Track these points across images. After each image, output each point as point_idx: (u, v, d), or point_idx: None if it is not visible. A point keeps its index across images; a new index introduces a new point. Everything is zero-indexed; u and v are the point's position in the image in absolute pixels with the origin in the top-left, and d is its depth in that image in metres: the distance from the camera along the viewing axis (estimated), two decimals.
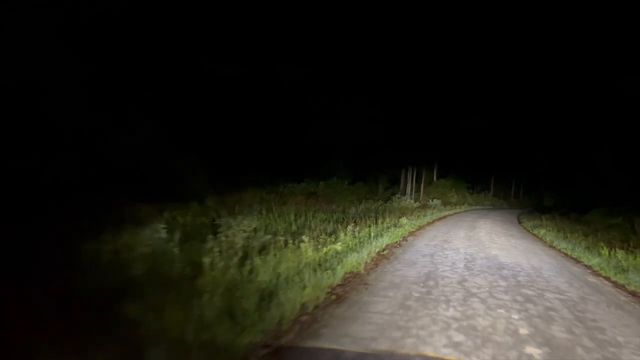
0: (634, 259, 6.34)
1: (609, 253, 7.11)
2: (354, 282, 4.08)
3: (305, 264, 4.28)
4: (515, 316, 3.22)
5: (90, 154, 7.24)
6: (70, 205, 4.69)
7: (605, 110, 16.61)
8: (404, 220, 10.40)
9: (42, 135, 5.78)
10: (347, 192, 17.47)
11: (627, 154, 13.99)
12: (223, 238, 4.76)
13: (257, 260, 3.82)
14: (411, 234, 8.84)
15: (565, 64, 18.40)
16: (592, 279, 5.23)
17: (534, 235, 11.06)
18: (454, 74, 23.50)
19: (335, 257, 4.82)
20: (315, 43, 17.01)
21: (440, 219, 14.48)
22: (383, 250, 6.16)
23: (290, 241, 5.14)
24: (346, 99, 19.60)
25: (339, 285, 3.84)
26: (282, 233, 6.28)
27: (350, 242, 5.98)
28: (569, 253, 7.61)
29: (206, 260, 3.35)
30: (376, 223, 9.08)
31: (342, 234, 6.32)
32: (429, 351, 2.40)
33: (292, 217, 9.09)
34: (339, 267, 4.38)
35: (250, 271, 3.54)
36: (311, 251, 4.76)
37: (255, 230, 5.48)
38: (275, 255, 4.23)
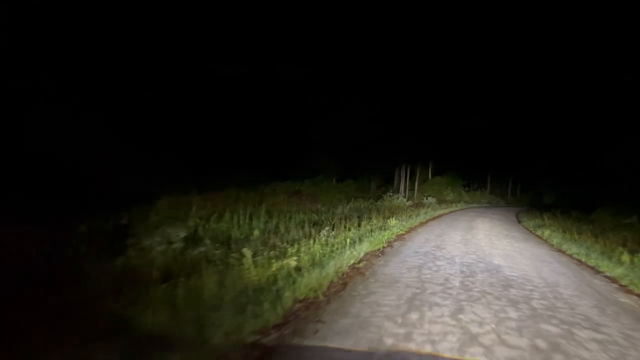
0: None
1: (631, 259, 5.97)
2: (303, 317, 2.85)
3: (240, 290, 3.05)
4: None
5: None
6: None
7: (614, 105, 15.69)
8: (392, 221, 9.20)
9: None
10: (335, 191, 16.27)
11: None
12: (133, 252, 3.52)
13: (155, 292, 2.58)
14: (399, 237, 7.63)
15: (566, 57, 17.54)
16: (625, 299, 4.05)
17: (537, 236, 9.91)
18: (450, 71, 22.53)
19: (289, 276, 3.59)
20: (313, 42, 16.42)
21: (434, 218, 13.32)
22: (359, 261, 4.94)
23: (234, 255, 3.93)
24: (339, 95, 18.65)
25: (275, 326, 2.61)
26: (233, 242, 5.06)
27: (319, 252, 4.76)
28: (583, 259, 6.45)
29: None
30: (359, 225, 7.89)
31: (310, 242, 5.10)
32: None
33: (262, 220, 7.84)
34: (287, 293, 3.16)
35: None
36: (255, 269, 3.54)
37: (187, 239, 4.22)
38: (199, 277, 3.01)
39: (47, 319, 1.95)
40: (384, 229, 8.12)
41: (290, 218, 9.26)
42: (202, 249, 3.95)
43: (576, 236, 9.68)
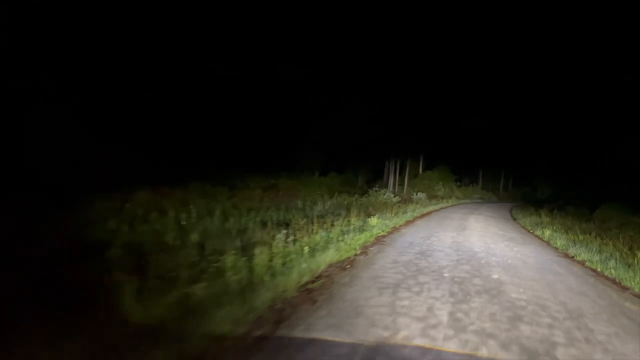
0: None
1: None
2: None
3: None
4: None
5: None
6: None
7: (614, 104, 14.94)
8: (373, 220, 7.96)
9: None
10: (316, 185, 14.97)
11: None
12: None
13: None
14: (379, 240, 6.38)
15: (566, 57, 17.00)
16: None
17: (537, 237, 8.78)
18: (448, 68, 22.16)
19: (180, 318, 2.29)
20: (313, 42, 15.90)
21: (423, 216, 12.13)
22: (316, 278, 3.67)
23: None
24: (333, 90, 17.67)
25: None
26: (151, 253, 3.73)
27: (258, 269, 3.47)
28: (599, 269, 5.29)
29: None
30: (333, 225, 6.62)
31: (258, 251, 3.80)
32: None
33: (215, 220, 6.51)
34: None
35: None
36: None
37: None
38: None
39: None
40: (362, 230, 6.88)
41: (256, 216, 7.97)
42: None
43: (580, 237, 8.62)
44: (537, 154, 26.19)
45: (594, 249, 6.96)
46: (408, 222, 9.70)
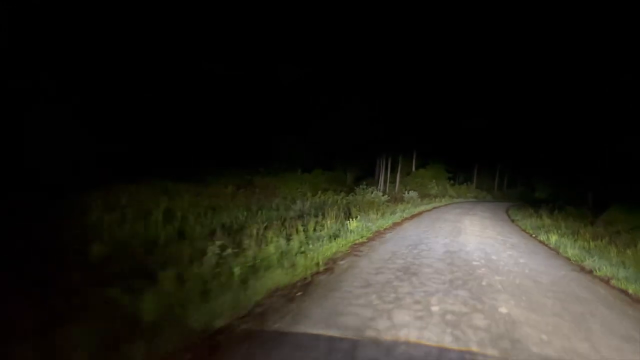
0: None
1: None
2: None
3: None
4: None
5: None
6: None
7: (614, 104, 14.19)
8: (352, 223, 6.73)
9: None
10: (299, 182, 13.70)
11: None
12: None
13: None
14: (354, 250, 5.15)
15: (563, 50, 16.59)
16: None
17: (542, 243, 7.62)
18: (441, 61, 21.81)
19: None
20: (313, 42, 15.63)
21: (413, 217, 10.96)
22: (236, 322, 2.42)
23: None
24: (325, 85, 16.74)
25: None
26: None
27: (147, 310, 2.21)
28: (631, 290, 4.12)
29: None
30: (299, 231, 5.37)
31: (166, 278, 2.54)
32: None
33: (157, 226, 5.21)
34: None
35: None
36: None
37: None
38: None
39: None
40: (336, 237, 5.64)
41: (213, 218, 6.67)
42: None
43: (591, 243, 7.50)
44: (535, 153, 25.22)
45: (613, 259, 5.83)
46: (395, 225, 8.49)
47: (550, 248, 7.10)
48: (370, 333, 2.37)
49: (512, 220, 12.44)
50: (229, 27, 13.39)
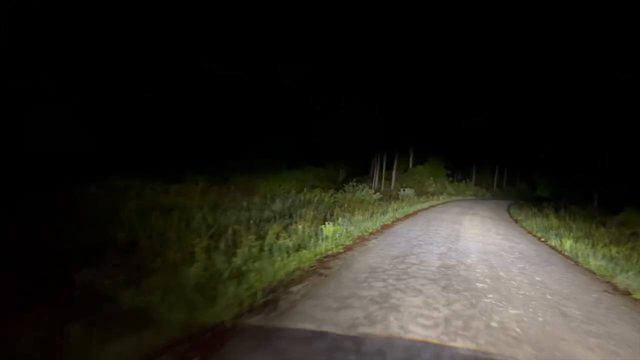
0: None
1: None
2: None
3: None
4: None
5: None
6: None
7: (619, 97, 13.61)
8: (328, 227, 5.55)
9: None
10: (282, 180, 12.50)
11: None
12: None
13: None
14: (322, 265, 3.98)
15: (563, 50, 16.41)
16: None
17: (555, 250, 6.47)
18: (440, 60, 21.03)
19: None
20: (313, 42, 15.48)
21: (407, 217, 9.81)
22: None
23: None
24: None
25: None
26: None
27: None
28: None
29: None
30: (263, 237, 4.20)
31: None
32: None
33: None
34: None
35: None
36: None
37: None
38: None
39: None
40: (304, 247, 4.47)
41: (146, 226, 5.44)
42: None
43: (612, 249, 6.37)
44: (536, 151, 24.32)
45: None
46: (384, 228, 7.32)
47: (565, 256, 5.96)
48: None
49: (516, 221, 11.31)
50: (229, 27, 13.40)
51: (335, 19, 15.48)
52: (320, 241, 4.90)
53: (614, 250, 6.33)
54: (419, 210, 11.97)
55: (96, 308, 2.02)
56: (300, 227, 5.46)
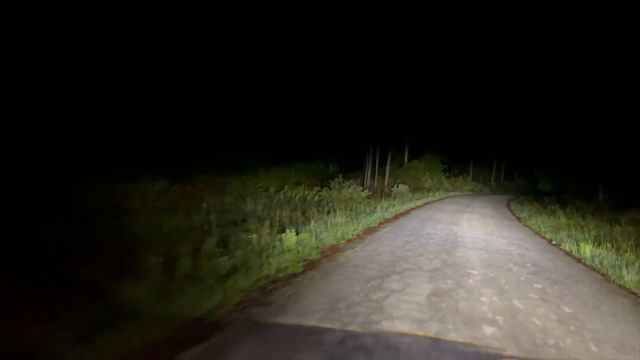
0: None
1: None
2: None
3: None
4: None
5: None
6: None
7: (619, 96, 13.14)
8: (290, 237, 4.33)
9: None
10: (259, 178, 11.25)
11: None
12: None
13: None
14: (259, 299, 2.76)
15: (563, 49, 15.66)
16: None
17: (573, 258, 5.31)
18: (440, 58, 20.44)
19: None
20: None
21: (397, 216, 8.64)
22: None
23: None
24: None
25: None
26: None
27: None
28: None
29: None
30: (197, 254, 2.96)
31: None
32: None
33: None
34: None
35: None
36: None
37: None
38: None
39: None
40: (243, 268, 3.25)
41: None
42: None
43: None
44: (535, 148, 23.56)
45: None
46: (368, 232, 6.12)
47: (587, 266, 4.80)
48: None
49: (519, 219, 10.18)
50: (229, 27, 13.36)
51: (335, 19, 15.45)
52: (277, 256, 3.69)
53: None
54: (412, 209, 10.81)
55: None
56: (254, 236, 4.25)
